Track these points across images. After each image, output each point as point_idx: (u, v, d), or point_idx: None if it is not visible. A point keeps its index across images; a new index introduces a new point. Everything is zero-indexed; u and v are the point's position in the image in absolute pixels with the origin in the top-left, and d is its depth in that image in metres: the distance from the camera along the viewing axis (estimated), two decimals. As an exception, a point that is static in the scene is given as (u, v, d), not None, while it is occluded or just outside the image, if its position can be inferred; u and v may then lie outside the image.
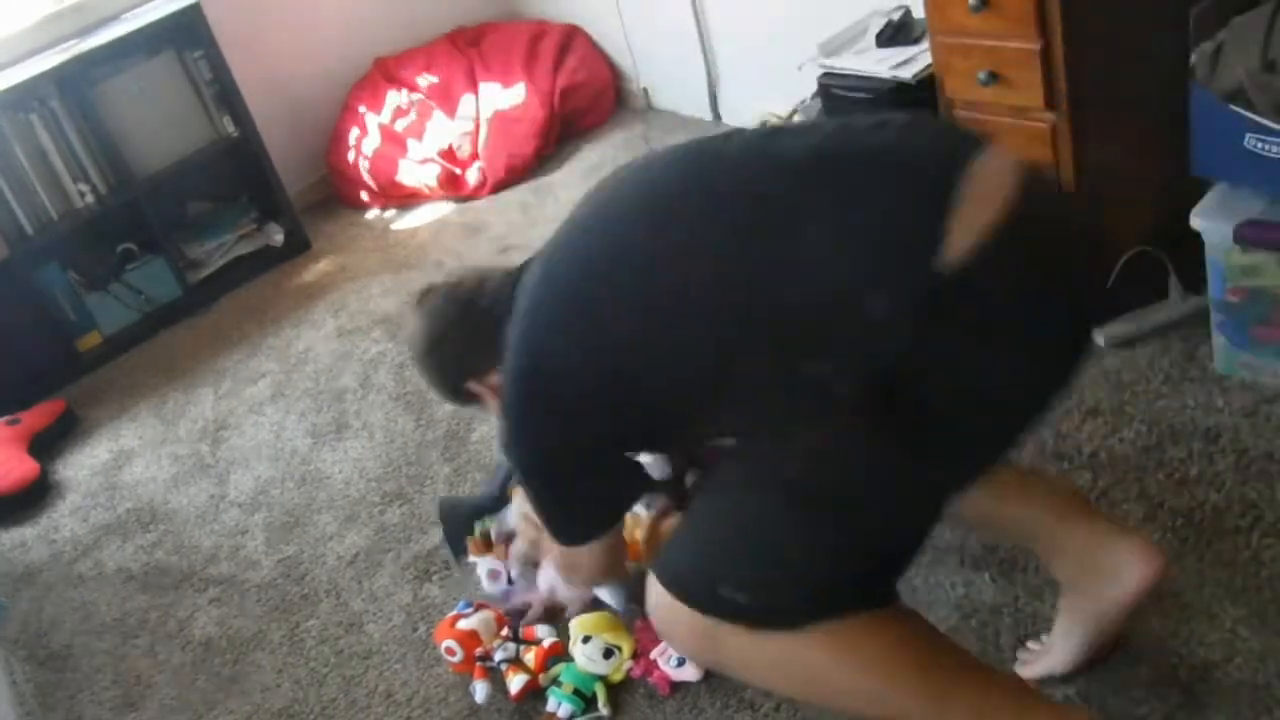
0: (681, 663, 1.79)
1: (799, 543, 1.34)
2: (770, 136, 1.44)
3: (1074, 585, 1.60)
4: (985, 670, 1.47)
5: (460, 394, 1.78)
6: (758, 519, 1.37)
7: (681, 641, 1.46)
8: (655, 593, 1.41)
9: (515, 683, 1.86)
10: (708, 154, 1.44)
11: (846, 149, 1.37)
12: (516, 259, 3.24)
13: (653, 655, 1.82)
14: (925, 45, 2.23)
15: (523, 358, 1.50)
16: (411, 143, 3.71)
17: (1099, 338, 2.19)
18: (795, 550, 1.35)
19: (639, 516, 2.03)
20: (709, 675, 1.80)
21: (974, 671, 1.42)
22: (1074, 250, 1.36)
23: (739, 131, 1.50)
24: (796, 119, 2.75)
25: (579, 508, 1.63)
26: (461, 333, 1.74)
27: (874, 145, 1.36)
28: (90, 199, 3.34)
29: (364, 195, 3.82)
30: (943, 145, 1.36)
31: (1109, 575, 1.53)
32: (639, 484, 1.71)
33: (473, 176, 3.65)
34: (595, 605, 1.96)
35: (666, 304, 1.37)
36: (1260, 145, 1.81)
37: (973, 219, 1.23)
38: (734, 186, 1.37)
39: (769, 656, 1.38)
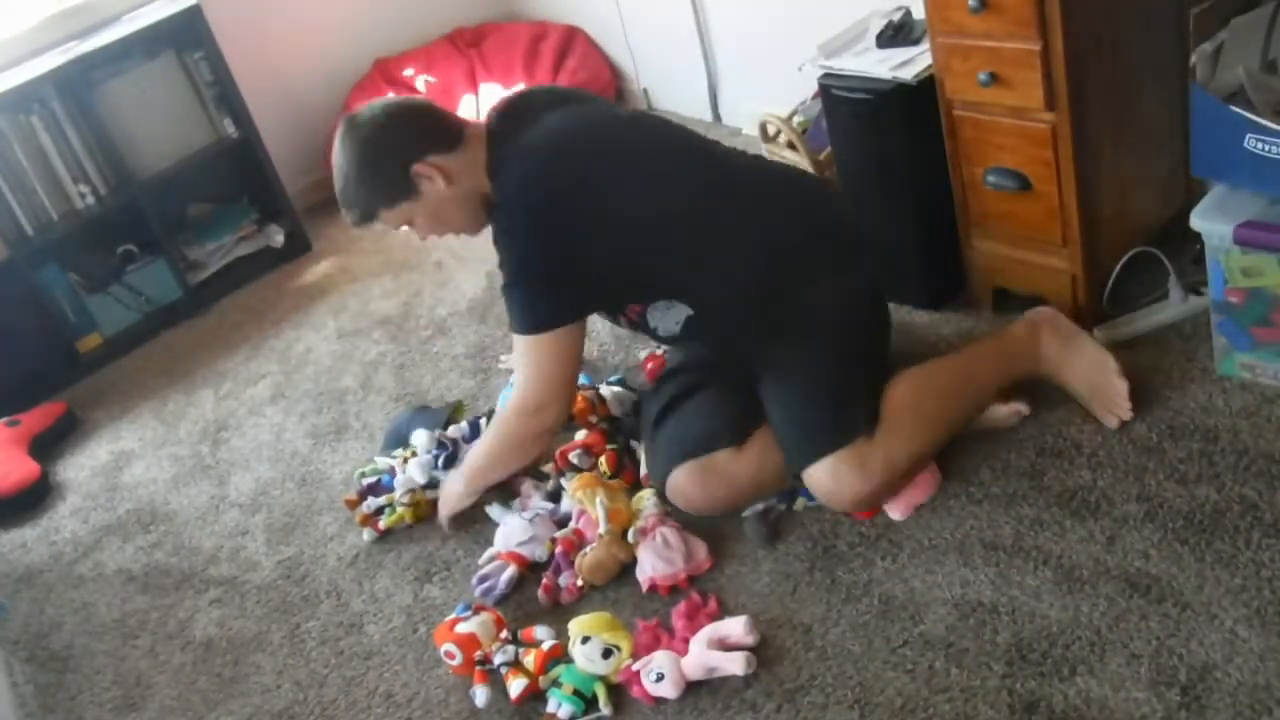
0: (660, 678, 1.79)
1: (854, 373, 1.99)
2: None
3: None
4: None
5: (400, 183, 2.01)
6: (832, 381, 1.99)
7: (868, 483, 1.92)
8: (820, 477, 1.93)
9: (515, 686, 1.86)
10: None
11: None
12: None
13: (635, 667, 1.82)
14: (925, 46, 2.23)
15: (545, 180, 1.97)
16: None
17: (1099, 338, 2.18)
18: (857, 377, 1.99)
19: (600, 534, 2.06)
20: (693, 687, 1.80)
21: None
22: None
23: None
24: (796, 120, 2.75)
25: (544, 301, 1.97)
26: (415, 119, 2.06)
27: None
28: (91, 200, 3.34)
29: (364, 196, 3.82)
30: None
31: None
32: (592, 307, 2.10)
33: (473, 177, 3.64)
34: (596, 599, 1.96)
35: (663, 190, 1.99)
36: (1260, 145, 1.81)
37: None
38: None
39: (906, 436, 1.95)
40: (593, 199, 1.97)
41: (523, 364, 2.04)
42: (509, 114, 2.09)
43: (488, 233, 2.04)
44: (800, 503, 2.08)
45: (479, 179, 2.02)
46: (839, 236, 2.12)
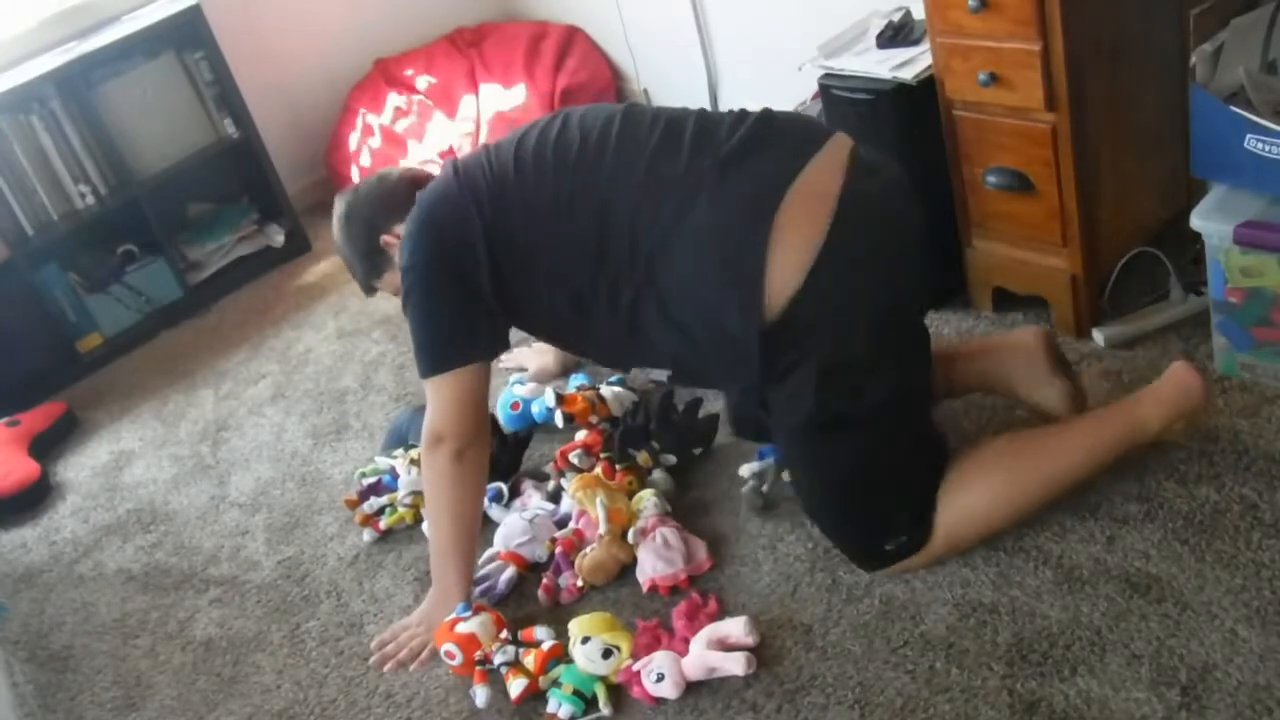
0: (660, 679, 1.79)
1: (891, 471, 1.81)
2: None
3: (1005, 373, 2.03)
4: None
5: (376, 254, 2.10)
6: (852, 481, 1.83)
7: (922, 567, 1.86)
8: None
9: (515, 686, 1.85)
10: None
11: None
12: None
13: (635, 667, 1.82)
14: (925, 46, 2.23)
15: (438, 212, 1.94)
16: (412, 144, 3.71)
17: (1099, 338, 2.19)
18: (893, 476, 1.81)
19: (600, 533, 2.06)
20: (693, 687, 1.80)
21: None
22: (902, 248, 1.80)
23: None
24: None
25: (441, 338, 1.95)
26: (379, 192, 2.13)
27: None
28: (91, 200, 3.34)
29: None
30: (770, 164, 1.75)
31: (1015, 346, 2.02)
32: (491, 347, 2.02)
33: (473, 177, 3.64)
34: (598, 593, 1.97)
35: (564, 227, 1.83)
36: (1260, 146, 1.81)
37: (788, 264, 1.68)
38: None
39: (971, 518, 1.82)
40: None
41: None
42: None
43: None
44: (787, 473, 2.08)
45: None
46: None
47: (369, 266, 2.15)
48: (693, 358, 1.85)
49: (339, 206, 2.16)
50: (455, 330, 1.96)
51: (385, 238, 2.08)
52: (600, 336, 1.94)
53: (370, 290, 2.21)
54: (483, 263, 1.89)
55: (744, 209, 1.72)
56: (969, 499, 1.81)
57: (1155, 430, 1.83)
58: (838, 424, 1.76)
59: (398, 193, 2.10)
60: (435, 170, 2.11)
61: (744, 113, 1.85)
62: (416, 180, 2.12)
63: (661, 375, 1.98)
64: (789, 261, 1.68)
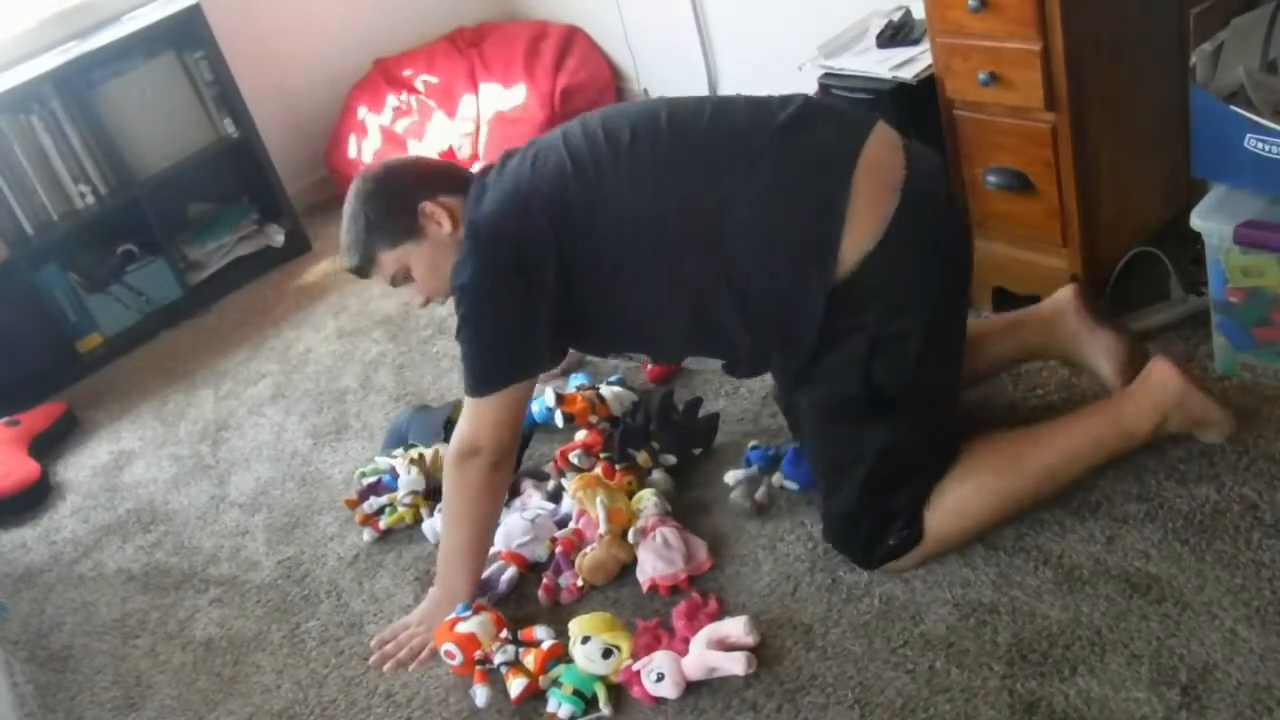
0: (660, 678, 1.79)
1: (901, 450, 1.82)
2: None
3: (1047, 338, 2.05)
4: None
5: (403, 222, 1.96)
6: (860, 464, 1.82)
7: (914, 565, 1.86)
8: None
9: (515, 686, 1.85)
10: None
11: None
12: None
13: (635, 667, 1.82)
14: (925, 46, 2.23)
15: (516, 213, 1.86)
16: (412, 143, 3.71)
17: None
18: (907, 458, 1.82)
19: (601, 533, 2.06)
20: (693, 687, 1.80)
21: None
22: (940, 217, 1.82)
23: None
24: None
25: (501, 357, 1.90)
26: (427, 161, 2.08)
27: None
28: (91, 200, 3.34)
29: (364, 196, 3.81)
30: (832, 143, 1.78)
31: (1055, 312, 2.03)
32: (548, 360, 1.99)
33: (473, 177, 3.64)
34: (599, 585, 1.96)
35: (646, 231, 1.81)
36: (1260, 145, 1.81)
37: (862, 225, 1.72)
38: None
39: (960, 515, 1.83)
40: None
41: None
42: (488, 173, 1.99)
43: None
44: (778, 477, 2.09)
45: None
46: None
47: (387, 233, 1.97)
48: (750, 334, 1.83)
49: (374, 167, 2.05)
50: (516, 350, 1.91)
51: (427, 204, 1.94)
52: (663, 325, 1.91)
53: (364, 266, 2.02)
54: (552, 271, 1.84)
55: (816, 171, 1.77)
56: (956, 496, 1.82)
57: (1148, 430, 1.84)
58: (874, 403, 1.78)
59: (446, 169, 2.05)
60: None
61: (788, 95, 1.90)
62: (466, 170, 2.06)
63: (716, 364, 1.94)
64: (862, 225, 1.72)
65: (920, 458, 1.83)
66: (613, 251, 1.84)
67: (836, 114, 1.89)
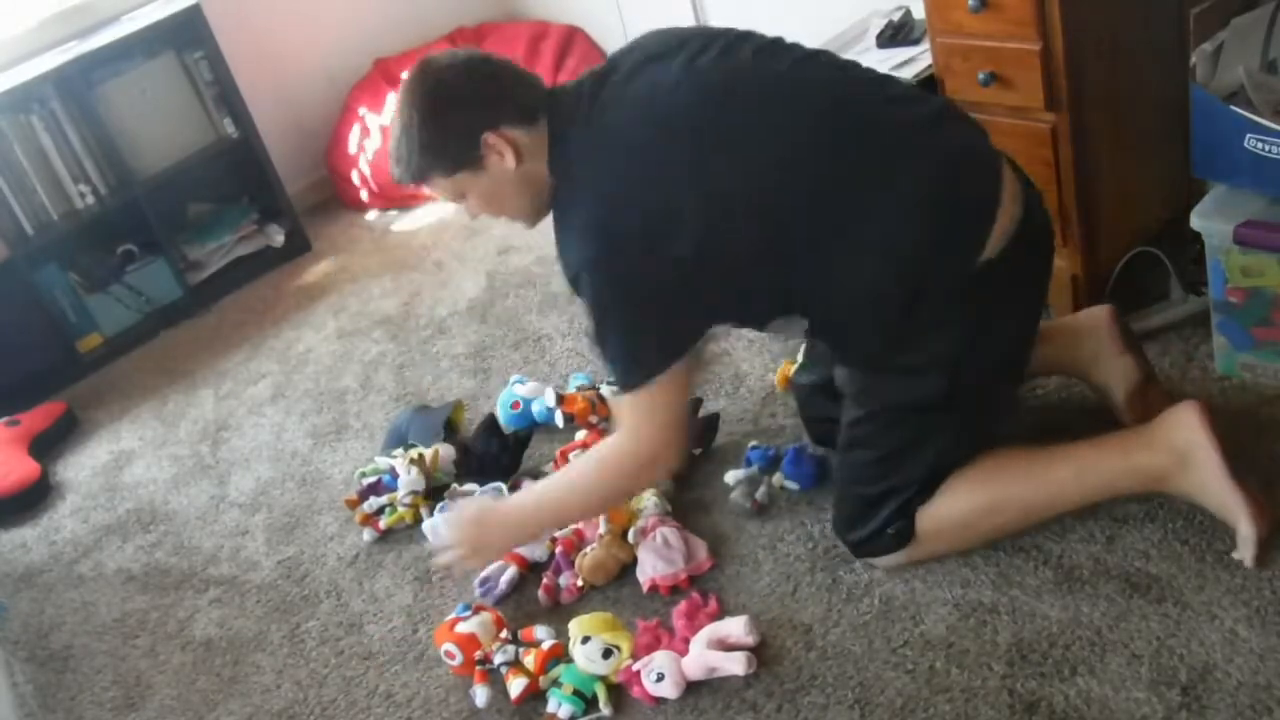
0: (660, 678, 1.79)
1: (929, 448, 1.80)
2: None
3: (1074, 358, 2.00)
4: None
5: (463, 146, 1.74)
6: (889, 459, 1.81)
7: (893, 566, 1.86)
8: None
9: (515, 686, 1.86)
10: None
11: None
12: (516, 261, 3.25)
13: (635, 667, 1.82)
14: (925, 46, 2.23)
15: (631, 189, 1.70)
16: (412, 143, 3.70)
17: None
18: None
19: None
20: (693, 687, 1.80)
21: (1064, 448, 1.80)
22: (1045, 240, 1.82)
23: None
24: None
25: (650, 337, 1.71)
26: (497, 79, 1.76)
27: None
28: (91, 200, 3.34)
29: (364, 196, 3.82)
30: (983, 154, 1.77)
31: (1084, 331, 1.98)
32: (703, 330, 1.79)
33: (473, 177, 3.64)
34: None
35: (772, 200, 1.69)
36: (1260, 145, 1.81)
37: (1002, 225, 1.70)
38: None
39: (958, 527, 1.81)
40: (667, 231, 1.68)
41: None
42: (579, 91, 1.79)
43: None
44: (778, 477, 2.09)
45: (545, 166, 1.78)
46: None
47: (442, 159, 1.76)
48: (851, 304, 1.73)
49: (428, 76, 1.75)
50: (665, 326, 1.72)
51: (490, 135, 1.72)
52: (782, 289, 1.76)
53: (416, 181, 1.80)
54: (687, 226, 1.66)
55: (970, 163, 1.75)
56: (949, 509, 1.80)
57: (1155, 468, 1.73)
58: (941, 405, 1.75)
59: (517, 95, 1.76)
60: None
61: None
62: (541, 90, 1.80)
63: (799, 329, 1.87)
64: (1002, 218, 1.70)
65: (947, 458, 1.80)
66: (751, 202, 1.69)
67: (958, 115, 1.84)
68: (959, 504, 1.80)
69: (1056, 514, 1.82)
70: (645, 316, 1.72)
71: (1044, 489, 1.79)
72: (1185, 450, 1.70)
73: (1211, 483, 1.68)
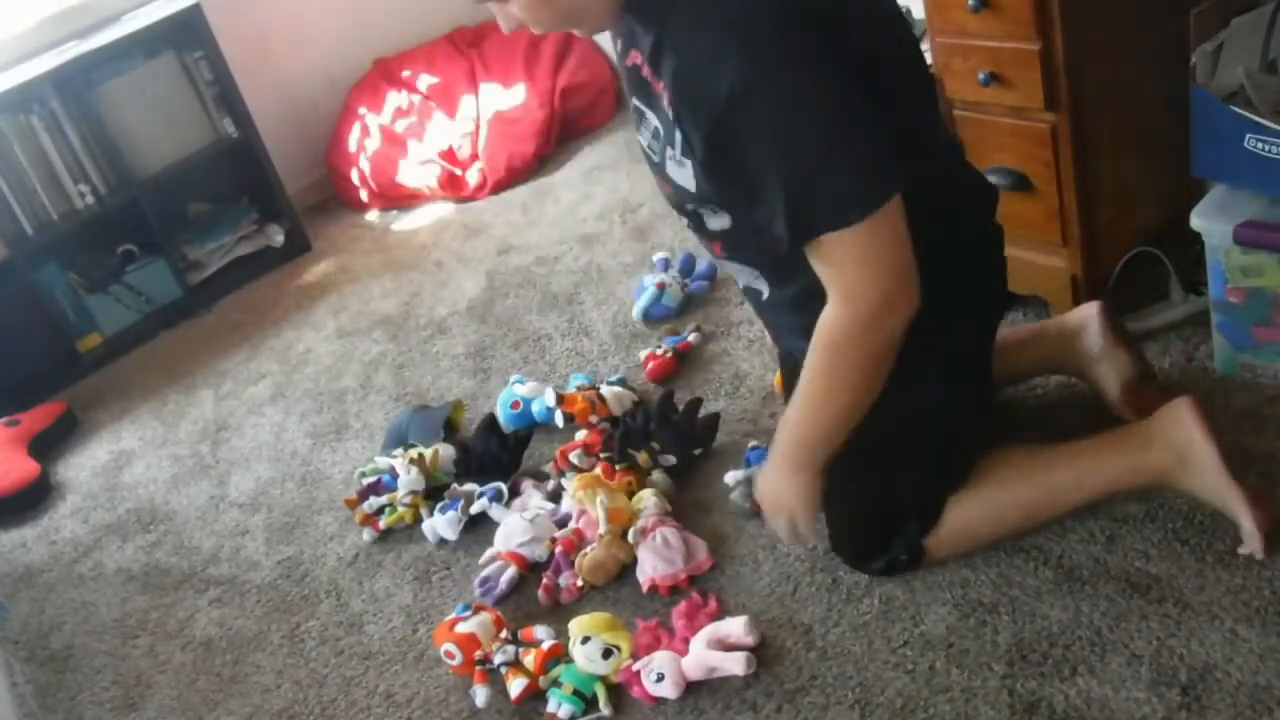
0: (660, 679, 1.78)
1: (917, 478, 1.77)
2: None
3: (1063, 356, 1.99)
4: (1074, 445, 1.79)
5: None
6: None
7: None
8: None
9: (515, 686, 1.85)
10: None
11: None
12: (516, 261, 3.26)
13: (635, 667, 1.82)
14: (925, 46, 2.23)
15: None
16: (412, 144, 3.71)
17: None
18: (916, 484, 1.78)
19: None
20: (693, 687, 1.80)
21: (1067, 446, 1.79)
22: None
23: None
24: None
25: (870, 147, 1.42)
26: None
27: None
28: (90, 200, 3.34)
29: (364, 196, 3.82)
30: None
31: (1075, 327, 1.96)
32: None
33: (473, 177, 3.65)
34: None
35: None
36: (1260, 145, 1.81)
37: None
38: None
39: (961, 537, 1.80)
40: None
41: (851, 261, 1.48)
42: None
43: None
44: None
45: None
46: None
47: None
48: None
49: None
50: (871, 131, 1.43)
51: None
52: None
53: None
54: (852, 46, 1.42)
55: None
56: (953, 521, 1.79)
57: (1153, 466, 1.71)
58: (930, 417, 1.72)
59: None
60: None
61: None
62: None
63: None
64: None
65: (940, 473, 1.80)
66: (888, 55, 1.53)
67: None
68: (961, 515, 1.80)
69: (1059, 516, 1.82)
70: (859, 118, 1.41)
71: (1044, 493, 1.79)
72: (1182, 447, 1.69)
73: (1210, 478, 1.68)
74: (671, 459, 2.21)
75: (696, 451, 2.24)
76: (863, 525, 1.84)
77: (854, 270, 1.48)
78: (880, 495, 1.80)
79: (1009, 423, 2.04)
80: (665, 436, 2.21)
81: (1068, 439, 1.81)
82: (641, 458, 2.19)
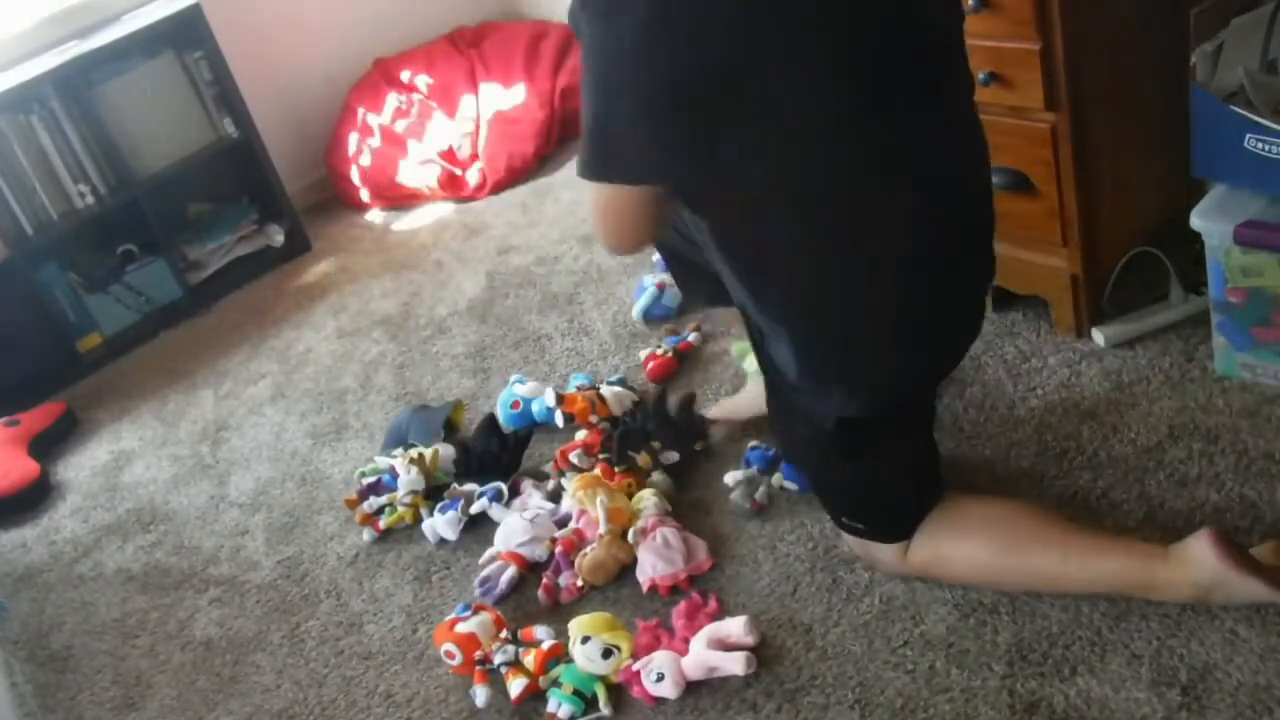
0: (660, 679, 1.78)
1: (871, 476, 1.78)
2: None
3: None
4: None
5: None
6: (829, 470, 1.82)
7: (882, 568, 1.86)
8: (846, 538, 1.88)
9: (515, 686, 1.85)
10: None
11: None
12: (516, 261, 3.25)
13: (635, 667, 1.82)
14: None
15: None
16: (412, 143, 3.71)
17: (1099, 338, 2.19)
18: (873, 480, 1.78)
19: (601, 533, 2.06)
20: (693, 687, 1.80)
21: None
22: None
23: None
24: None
25: (617, 129, 1.52)
26: None
27: None
28: (90, 200, 3.34)
29: (364, 196, 3.82)
30: None
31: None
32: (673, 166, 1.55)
33: (473, 177, 3.65)
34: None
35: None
36: (1260, 145, 1.81)
37: None
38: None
39: (946, 558, 1.77)
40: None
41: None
42: None
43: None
44: (778, 478, 2.09)
45: None
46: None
47: None
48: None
49: None
50: (637, 114, 1.52)
51: None
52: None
53: None
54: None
55: None
56: (953, 549, 1.77)
57: (1177, 599, 1.65)
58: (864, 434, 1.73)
59: None
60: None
61: None
62: None
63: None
64: None
65: (894, 490, 1.80)
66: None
67: None
68: (959, 551, 1.77)
69: (1058, 593, 1.73)
70: (631, 94, 1.49)
71: (1054, 569, 1.70)
72: (1211, 585, 1.60)
73: (1250, 598, 1.60)
74: (674, 455, 2.20)
75: (698, 446, 2.24)
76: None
77: (590, 212, 1.65)
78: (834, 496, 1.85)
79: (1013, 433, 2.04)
80: (664, 434, 2.21)
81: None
82: (642, 458, 2.19)
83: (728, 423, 2.26)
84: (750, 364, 2.21)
